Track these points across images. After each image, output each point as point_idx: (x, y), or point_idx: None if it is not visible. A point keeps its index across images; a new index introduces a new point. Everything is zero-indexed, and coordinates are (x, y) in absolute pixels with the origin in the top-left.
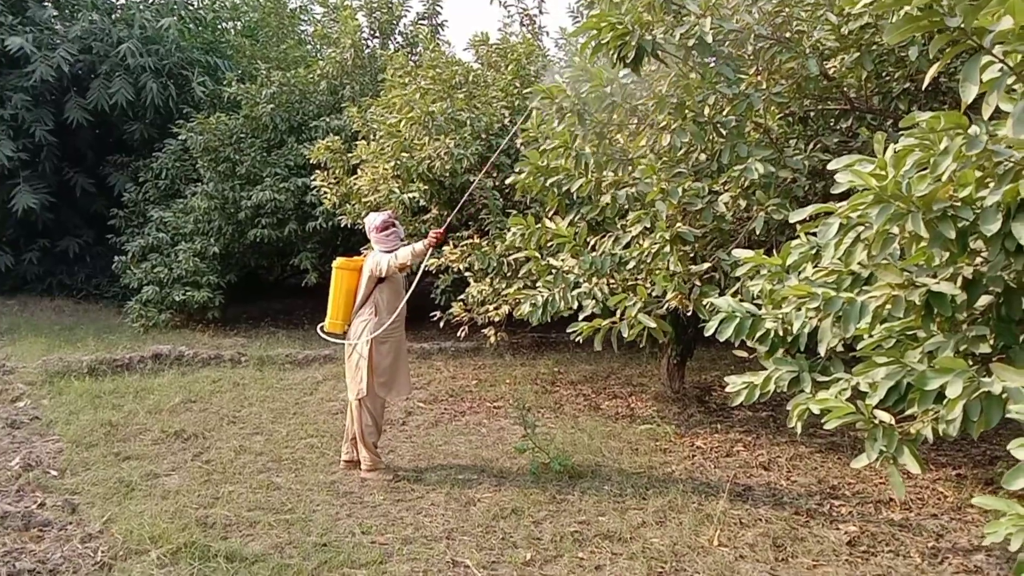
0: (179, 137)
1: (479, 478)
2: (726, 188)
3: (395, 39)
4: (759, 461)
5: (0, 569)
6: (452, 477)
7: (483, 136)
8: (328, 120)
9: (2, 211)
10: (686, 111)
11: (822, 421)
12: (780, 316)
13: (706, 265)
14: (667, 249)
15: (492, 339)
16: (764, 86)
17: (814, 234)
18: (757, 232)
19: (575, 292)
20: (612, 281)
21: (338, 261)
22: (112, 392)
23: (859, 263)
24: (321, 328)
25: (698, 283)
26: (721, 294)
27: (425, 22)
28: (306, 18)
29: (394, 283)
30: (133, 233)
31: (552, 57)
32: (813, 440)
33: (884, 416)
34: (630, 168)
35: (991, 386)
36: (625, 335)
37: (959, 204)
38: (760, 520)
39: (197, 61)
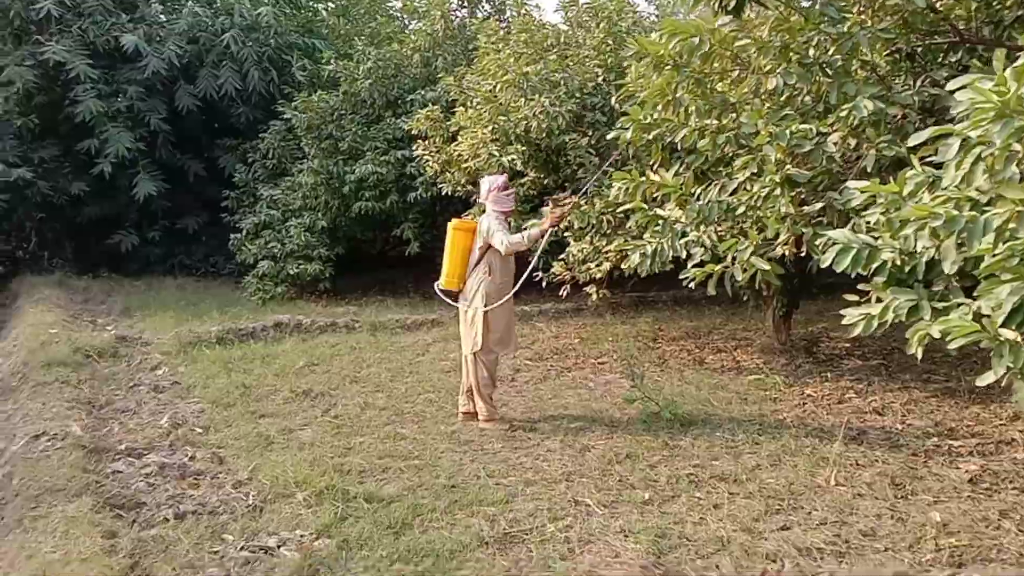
0: (283, 117)
1: (591, 427)
2: (834, 128)
3: (483, 7)
4: (872, 407)
5: (167, 511)
6: (565, 427)
7: (577, 95)
8: (423, 93)
9: (125, 198)
10: (790, 53)
11: (946, 342)
12: (898, 245)
13: (818, 205)
14: (777, 192)
15: (594, 296)
16: (869, 23)
17: (930, 163)
18: (868, 170)
19: (683, 241)
20: (720, 228)
21: (454, 222)
22: (241, 358)
23: (977, 188)
24: (437, 286)
25: (809, 225)
26: None
27: None
28: None
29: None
30: (245, 212)
31: (642, 12)
32: (928, 385)
33: (1009, 334)
34: (733, 114)
35: None
36: (739, 278)
37: None
38: (877, 461)
39: (295, 44)
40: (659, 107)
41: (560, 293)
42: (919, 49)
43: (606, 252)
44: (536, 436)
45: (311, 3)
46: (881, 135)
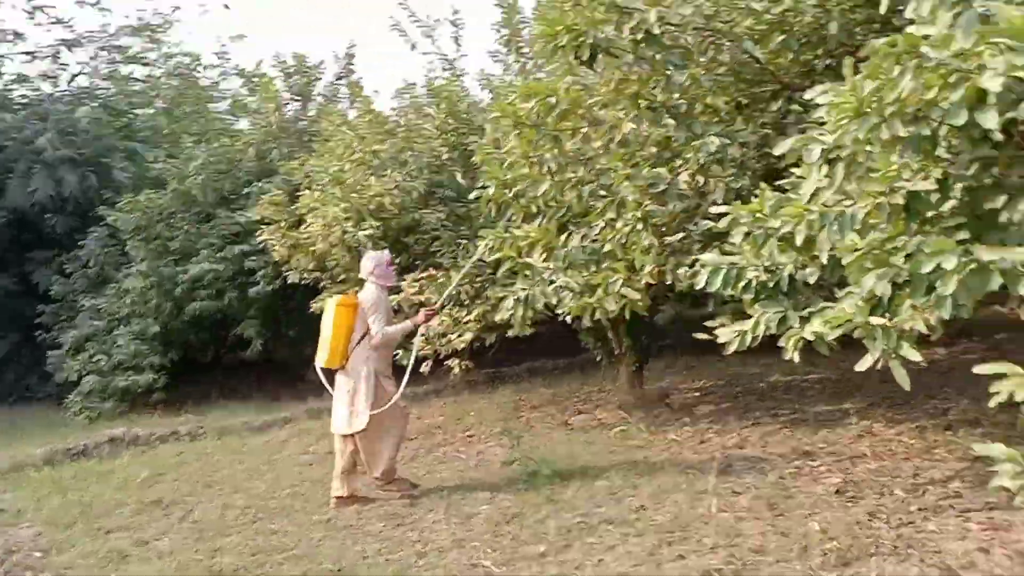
0: (106, 221)
1: (472, 494)
2: (682, 169)
3: (315, 99)
4: (733, 443)
5: None
6: (446, 498)
7: (425, 172)
8: (260, 185)
9: None
10: (639, 100)
11: (815, 343)
12: (760, 263)
13: (679, 235)
14: (640, 227)
15: (456, 370)
16: (705, 73)
17: (777, 188)
18: (719, 201)
19: (552, 287)
20: (585, 273)
21: (337, 299)
22: (74, 477)
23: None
24: (318, 365)
25: (672, 256)
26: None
27: (342, 81)
28: (219, 92)
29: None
30: (63, 327)
31: (476, 97)
32: (777, 418)
33: (878, 320)
34: (588, 167)
35: (980, 256)
36: (612, 308)
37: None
38: (750, 487)
39: (114, 148)
40: (523, 166)
41: (421, 370)
42: (743, 100)
43: (466, 322)
44: (417, 511)
45: (132, 108)
46: (726, 170)
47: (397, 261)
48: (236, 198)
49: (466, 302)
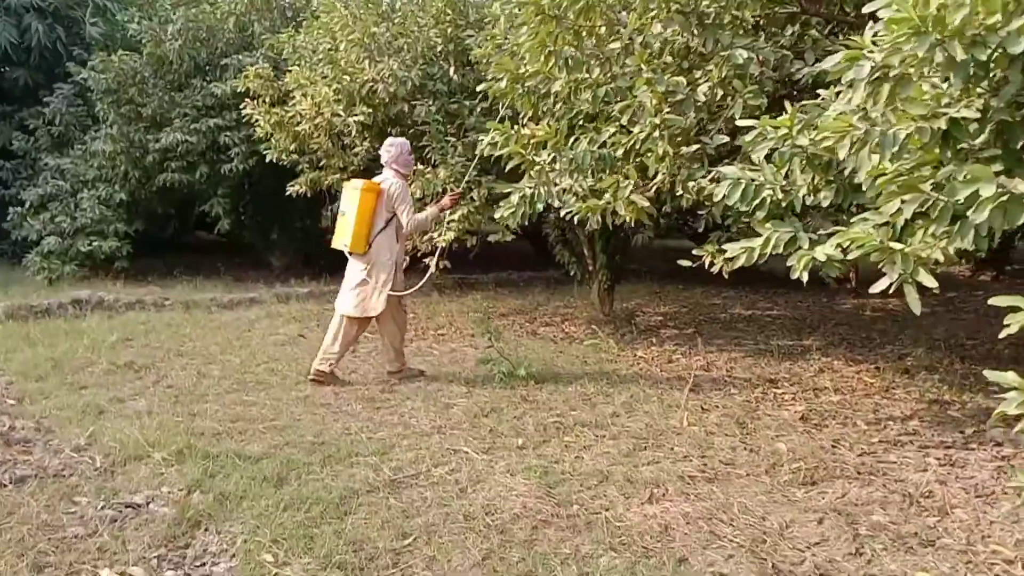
0: (77, 78)
1: (449, 387)
2: (702, 80)
3: None
4: (699, 365)
5: (2, 476)
6: (423, 389)
7: (420, 62)
8: (240, 57)
9: None
10: (671, 2)
11: (822, 267)
12: (776, 183)
13: (695, 146)
14: (656, 134)
15: (433, 267)
16: None
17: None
18: (737, 116)
19: (557, 188)
20: (591, 178)
21: (361, 183)
22: (42, 333)
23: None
24: (344, 246)
25: (684, 167)
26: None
27: None
28: None
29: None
30: (23, 185)
31: None
32: (742, 347)
33: (899, 245)
34: (608, 67)
35: (1016, 188)
36: (621, 212)
37: (984, 33)
38: (718, 407)
39: (84, 1)
40: (538, 59)
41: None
42: (763, 19)
43: (450, 222)
44: (395, 397)
45: None
46: (747, 86)
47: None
48: (212, 69)
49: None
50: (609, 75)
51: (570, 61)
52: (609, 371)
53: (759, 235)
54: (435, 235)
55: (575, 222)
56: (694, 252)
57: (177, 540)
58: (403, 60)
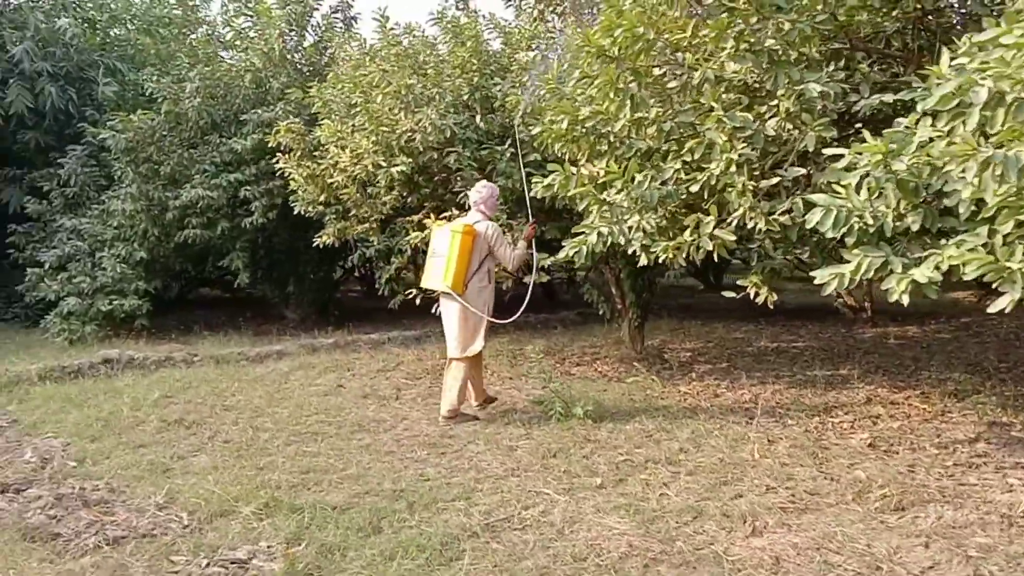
0: (95, 139)
1: (507, 430)
2: (769, 115)
3: (311, 30)
4: (747, 398)
5: (93, 538)
6: (481, 432)
7: (452, 110)
8: (259, 112)
9: None
10: (743, 40)
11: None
12: (866, 208)
13: (775, 179)
14: (732, 169)
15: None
16: (803, 20)
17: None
18: (810, 149)
19: (627, 226)
20: (656, 214)
21: (458, 225)
22: (80, 394)
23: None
24: (444, 286)
25: (765, 200)
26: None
27: (339, 15)
28: (203, 14)
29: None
30: (35, 248)
31: (486, 37)
32: (782, 379)
33: (1015, 264)
34: (668, 104)
35: None
36: (709, 247)
37: None
38: (782, 438)
39: (96, 63)
40: (605, 99)
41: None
42: (817, 54)
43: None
44: (456, 442)
45: (113, 23)
46: (816, 120)
47: (408, 200)
48: (228, 124)
49: None
50: (670, 112)
51: (635, 99)
52: (660, 407)
53: (846, 261)
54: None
55: (607, 261)
56: (739, 283)
57: None
58: (439, 110)
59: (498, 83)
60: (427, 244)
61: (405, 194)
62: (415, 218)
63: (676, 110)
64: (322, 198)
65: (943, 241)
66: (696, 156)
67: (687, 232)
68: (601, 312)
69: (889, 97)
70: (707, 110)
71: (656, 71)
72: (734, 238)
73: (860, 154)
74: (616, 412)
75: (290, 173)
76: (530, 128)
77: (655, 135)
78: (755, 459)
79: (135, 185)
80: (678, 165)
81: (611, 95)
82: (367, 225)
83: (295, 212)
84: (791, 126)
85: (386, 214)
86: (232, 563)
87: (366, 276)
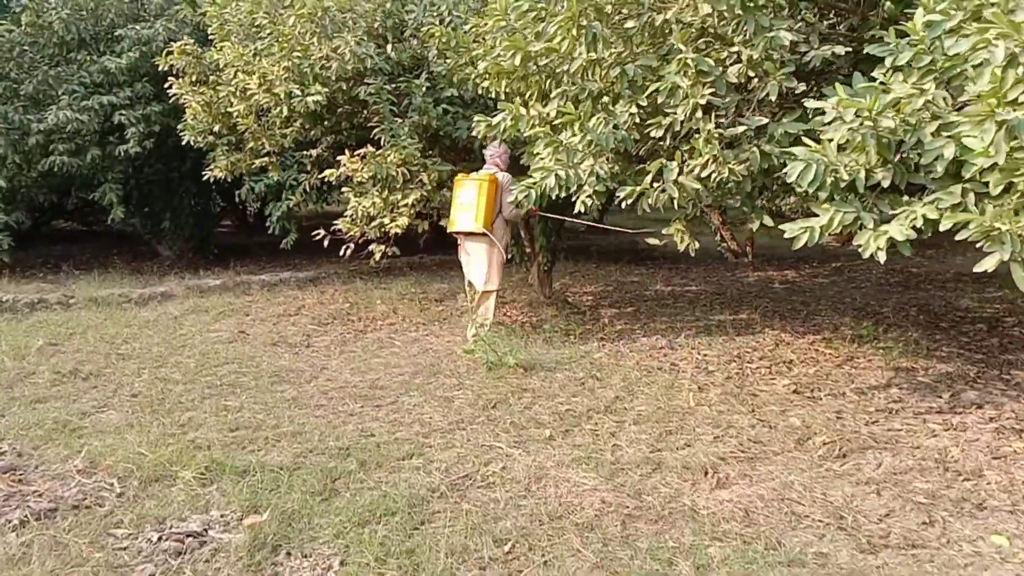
0: None
1: (438, 380)
2: (731, 62)
3: None
4: (661, 344)
5: (15, 513)
6: (409, 382)
7: (366, 40)
8: (138, 28)
9: None
10: None
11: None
12: (841, 162)
13: (742, 128)
14: (699, 114)
15: (377, 256)
16: None
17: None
18: (772, 99)
19: (581, 169)
20: (607, 161)
21: (485, 175)
22: None
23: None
24: (475, 226)
25: (728, 148)
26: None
27: None
28: None
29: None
30: None
31: None
32: (689, 324)
33: (1004, 226)
34: (629, 46)
35: None
36: (675, 195)
37: None
38: (710, 384)
39: None
40: (567, 35)
41: (341, 253)
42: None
43: (402, 206)
44: (387, 393)
45: None
46: (778, 68)
47: (311, 133)
48: (98, 42)
49: (399, 186)
50: (629, 55)
51: (597, 37)
52: (583, 354)
53: (815, 215)
54: (386, 221)
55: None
56: (664, 232)
57: (264, 569)
58: (357, 37)
59: (412, 9)
60: (338, 180)
61: (307, 127)
62: (312, 153)
63: (636, 52)
64: (216, 128)
65: (907, 198)
66: (660, 100)
67: (648, 178)
68: (510, 256)
69: (841, 49)
70: (667, 53)
71: (613, 10)
72: (699, 186)
73: (845, 108)
74: (543, 360)
75: (186, 100)
76: (446, 60)
77: (616, 77)
78: (691, 407)
79: None
80: (633, 109)
81: (573, 32)
82: (266, 159)
83: (180, 142)
84: (752, 74)
85: (284, 147)
86: (188, 536)
87: (238, 210)
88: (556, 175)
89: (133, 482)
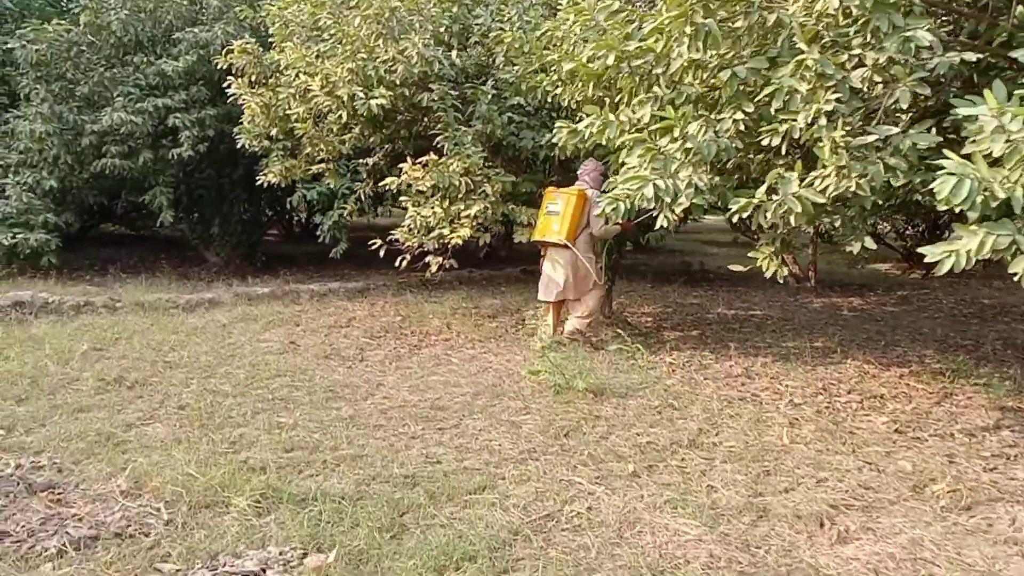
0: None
1: (501, 402)
2: (852, 66)
3: None
4: (736, 372)
5: (52, 540)
6: (470, 403)
7: (433, 44)
8: (196, 31)
9: None
10: None
11: None
12: (998, 179)
13: (872, 137)
14: (822, 121)
15: (434, 268)
16: None
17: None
18: (904, 106)
19: (679, 180)
20: (707, 171)
21: (575, 190)
22: None
23: None
24: (558, 238)
25: (856, 159)
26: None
27: None
28: None
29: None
30: None
31: None
32: (761, 351)
33: None
34: (737, 46)
35: None
36: (774, 213)
37: None
38: (799, 419)
39: None
40: (679, 33)
41: (397, 264)
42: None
43: (464, 217)
44: (449, 415)
45: None
46: (909, 73)
47: (371, 140)
48: (156, 44)
49: (461, 196)
50: (736, 56)
51: (709, 36)
52: (654, 380)
53: (960, 237)
54: (446, 232)
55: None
56: (750, 255)
57: None
58: (422, 39)
59: (480, 14)
60: (391, 190)
61: (367, 133)
62: (369, 161)
63: (741, 54)
64: (273, 131)
65: None
66: (775, 106)
67: (761, 190)
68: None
69: (972, 56)
70: (777, 55)
71: (718, 7)
72: (823, 201)
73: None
74: (612, 385)
75: (245, 100)
76: (513, 67)
77: (726, 80)
78: (784, 444)
79: (46, 105)
80: (738, 115)
81: (676, 30)
82: (324, 165)
83: (233, 147)
84: (879, 79)
85: (341, 154)
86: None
87: (284, 218)
88: (655, 185)
89: (182, 507)
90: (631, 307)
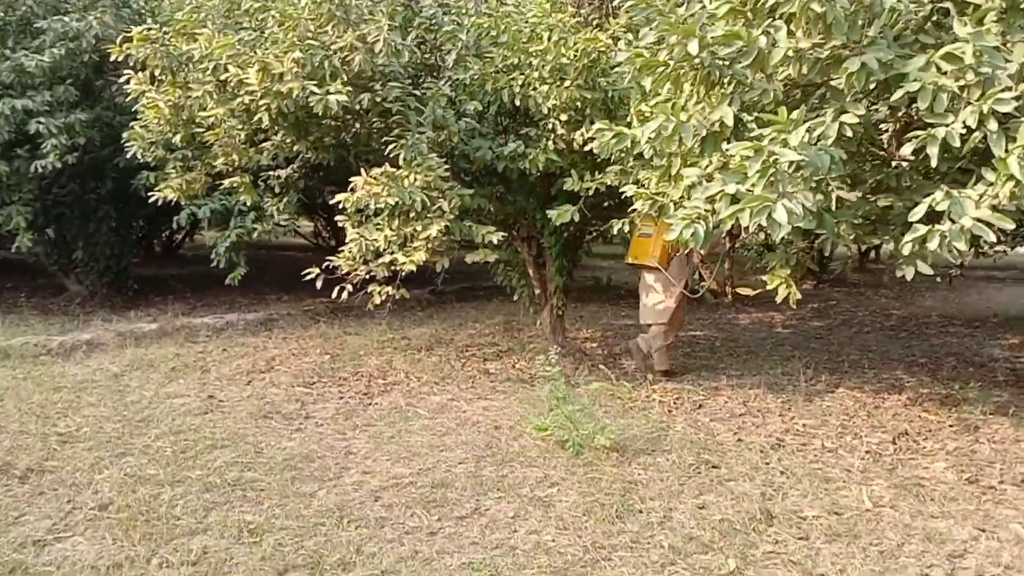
0: None
1: (512, 472)
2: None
3: None
4: (738, 410)
5: None
6: (477, 474)
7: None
8: (65, 20)
9: None
10: None
11: None
12: None
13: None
14: (992, 125)
15: (377, 299)
16: None
17: None
18: None
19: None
20: (818, 187)
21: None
22: None
23: None
24: (651, 261)
25: None
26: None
27: None
28: None
29: None
30: None
31: None
32: (742, 379)
33: None
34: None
35: None
36: (942, 245)
37: None
38: (855, 469)
39: None
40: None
41: (336, 296)
42: None
43: (422, 239)
44: (460, 493)
45: None
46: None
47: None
48: (8, 35)
49: (418, 214)
50: (829, 49)
51: (839, 19)
52: (660, 425)
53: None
54: (400, 257)
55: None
56: (762, 278)
57: None
58: (391, 24)
59: (427, 3)
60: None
61: (290, 141)
62: (281, 173)
63: (855, 43)
64: (177, 138)
65: None
66: (924, 105)
67: (918, 212)
68: (517, 297)
69: None
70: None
71: None
72: (1013, 226)
73: None
74: (627, 438)
75: (150, 99)
76: (467, 67)
77: (854, 73)
78: (874, 510)
79: None
80: (852, 119)
81: (791, 13)
82: (235, 178)
83: (99, 158)
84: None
85: (256, 164)
86: None
87: (142, 237)
88: (784, 206)
89: None
90: (570, 331)
